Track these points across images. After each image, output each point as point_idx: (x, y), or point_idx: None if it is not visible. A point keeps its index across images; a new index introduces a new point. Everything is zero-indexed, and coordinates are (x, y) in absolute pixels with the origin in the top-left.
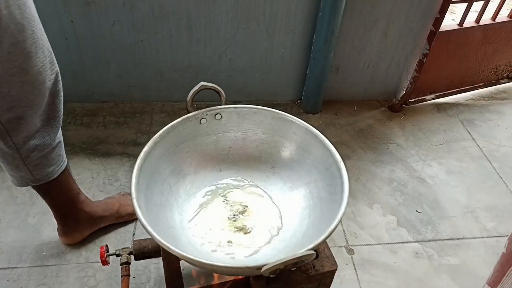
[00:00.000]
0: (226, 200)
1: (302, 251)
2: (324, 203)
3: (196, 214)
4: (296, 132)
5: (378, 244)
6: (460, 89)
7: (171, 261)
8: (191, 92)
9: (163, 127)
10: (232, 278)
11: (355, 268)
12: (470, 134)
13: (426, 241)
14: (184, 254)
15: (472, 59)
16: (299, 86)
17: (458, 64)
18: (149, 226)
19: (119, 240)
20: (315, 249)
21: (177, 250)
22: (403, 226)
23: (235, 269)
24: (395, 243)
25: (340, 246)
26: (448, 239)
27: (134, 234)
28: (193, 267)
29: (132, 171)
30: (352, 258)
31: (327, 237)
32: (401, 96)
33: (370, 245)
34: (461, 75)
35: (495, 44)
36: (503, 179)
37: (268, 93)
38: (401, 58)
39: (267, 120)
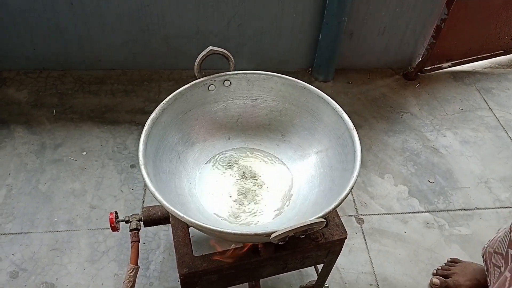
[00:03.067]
0: (235, 168)
1: (312, 218)
2: (335, 172)
3: (205, 182)
4: (308, 99)
5: (389, 214)
6: (478, 56)
7: (180, 228)
8: (199, 56)
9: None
10: (242, 245)
11: (364, 237)
12: (486, 103)
13: (437, 211)
14: (193, 220)
15: (492, 25)
16: (311, 53)
17: (477, 31)
18: (158, 192)
19: (128, 207)
20: (325, 217)
21: (186, 216)
22: (415, 196)
23: (244, 236)
24: (406, 213)
25: (350, 216)
26: (460, 210)
27: (143, 201)
28: (202, 234)
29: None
30: (361, 227)
31: (337, 205)
32: (416, 63)
33: (380, 214)
34: (480, 42)
35: None
36: None
37: (278, 61)
38: (418, 24)
39: (278, 87)
